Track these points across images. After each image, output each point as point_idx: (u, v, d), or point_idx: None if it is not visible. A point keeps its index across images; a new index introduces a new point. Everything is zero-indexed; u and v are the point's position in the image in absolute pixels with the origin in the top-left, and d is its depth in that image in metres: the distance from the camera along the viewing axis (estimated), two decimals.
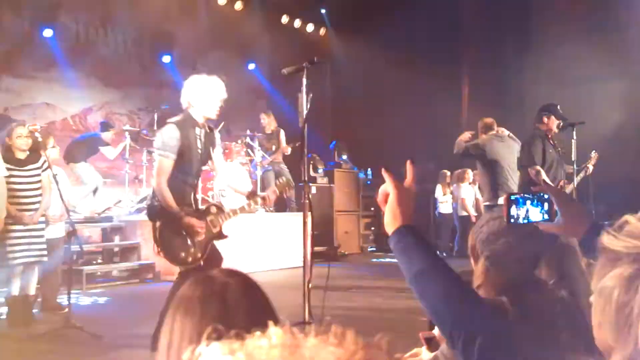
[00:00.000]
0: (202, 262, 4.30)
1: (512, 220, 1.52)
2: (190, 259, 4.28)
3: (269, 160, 10.48)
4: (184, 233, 4.27)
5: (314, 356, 0.57)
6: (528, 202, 1.52)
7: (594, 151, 7.04)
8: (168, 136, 4.27)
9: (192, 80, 4.42)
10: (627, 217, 0.96)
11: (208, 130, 4.53)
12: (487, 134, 7.15)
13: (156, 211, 4.32)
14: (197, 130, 4.39)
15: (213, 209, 4.51)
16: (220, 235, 4.47)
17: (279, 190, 4.75)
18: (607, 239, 0.95)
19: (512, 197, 1.52)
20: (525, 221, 1.52)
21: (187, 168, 4.38)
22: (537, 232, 1.63)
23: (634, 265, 0.91)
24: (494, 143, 6.97)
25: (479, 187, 7.28)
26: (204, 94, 4.36)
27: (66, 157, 9.09)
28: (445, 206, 12.13)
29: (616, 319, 0.93)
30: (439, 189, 12.14)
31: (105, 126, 9.64)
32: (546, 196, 1.51)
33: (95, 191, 9.31)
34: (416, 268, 1.39)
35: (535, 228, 1.60)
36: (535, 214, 1.52)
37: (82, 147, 9.31)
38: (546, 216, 1.52)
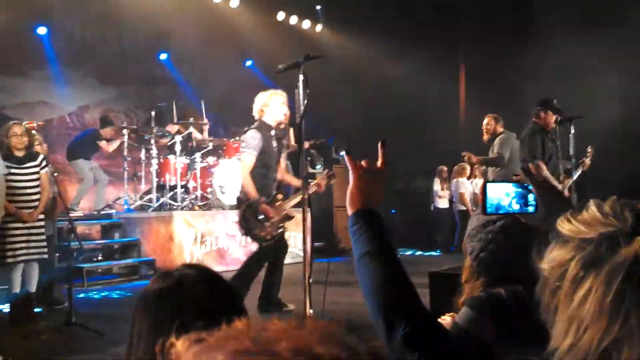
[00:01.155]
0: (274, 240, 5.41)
1: (489, 210, 1.45)
2: (268, 237, 5.36)
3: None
4: (262, 216, 5.31)
5: (280, 337, 0.59)
6: (508, 192, 1.45)
7: (590, 146, 7.06)
8: (251, 137, 5.41)
9: (262, 95, 5.53)
10: (591, 201, 0.91)
11: (278, 134, 5.64)
12: (496, 127, 7.22)
13: (241, 200, 5.47)
14: (272, 132, 5.52)
15: (279, 197, 5.55)
16: (288, 217, 5.55)
17: (327, 180, 5.81)
18: (560, 222, 0.91)
19: (489, 186, 1.45)
20: (504, 212, 1.45)
21: (267, 163, 5.47)
22: (514, 224, 1.63)
23: (572, 252, 0.86)
24: (512, 140, 7.06)
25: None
26: (273, 104, 5.48)
27: (67, 156, 9.24)
28: (442, 201, 12.15)
29: (548, 307, 0.88)
30: (437, 184, 12.16)
31: (104, 122, 9.65)
32: (528, 187, 1.45)
33: (98, 185, 9.31)
34: (359, 251, 1.34)
35: (514, 221, 1.58)
36: (516, 205, 1.44)
37: (81, 145, 9.32)
38: (530, 208, 1.44)
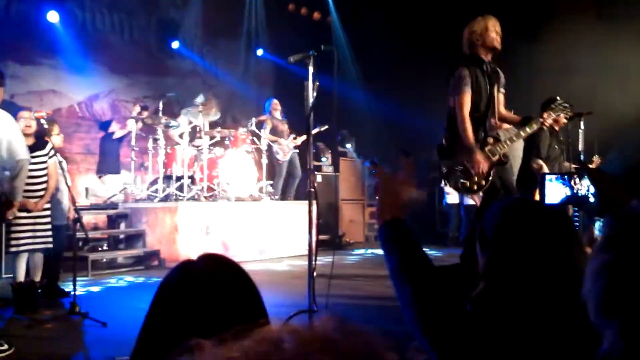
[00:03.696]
0: (484, 189, 4.80)
1: (548, 201, 1.48)
2: (475, 187, 4.80)
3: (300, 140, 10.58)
4: (468, 164, 4.76)
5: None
6: (566, 183, 1.47)
7: (596, 155, 6.97)
8: (459, 74, 4.83)
9: (471, 23, 4.94)
10: None
11: (493, 68, 5.02)
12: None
13: (445, 148, 4.96)
14: (484, 66, 4.93)
15: (490, 140, 4.89)
16: (500, 162, 4.84)
17: (556, 113, 5.21)
18: None
19: (547, 178, 1.48)
20: (563, 202, 1.49)
21: (477, 102, 4.87)
22: (518, 224, 1.60)
23: None
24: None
25: None
26: (484, 31, 4.91)
27: (99, 171, 9.66)
28: (452, 197, 12.09)
29: None
30: None
31: (103, 124, 9.91)
32: (586, 178, 1.49)
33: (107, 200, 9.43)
34: (392, 264, 1.37)
35: (519, 219, 1.56)
36: (575, 195, 1.47)
37: (107, 155, 9.56)
38: (591, 198, 1.47)
